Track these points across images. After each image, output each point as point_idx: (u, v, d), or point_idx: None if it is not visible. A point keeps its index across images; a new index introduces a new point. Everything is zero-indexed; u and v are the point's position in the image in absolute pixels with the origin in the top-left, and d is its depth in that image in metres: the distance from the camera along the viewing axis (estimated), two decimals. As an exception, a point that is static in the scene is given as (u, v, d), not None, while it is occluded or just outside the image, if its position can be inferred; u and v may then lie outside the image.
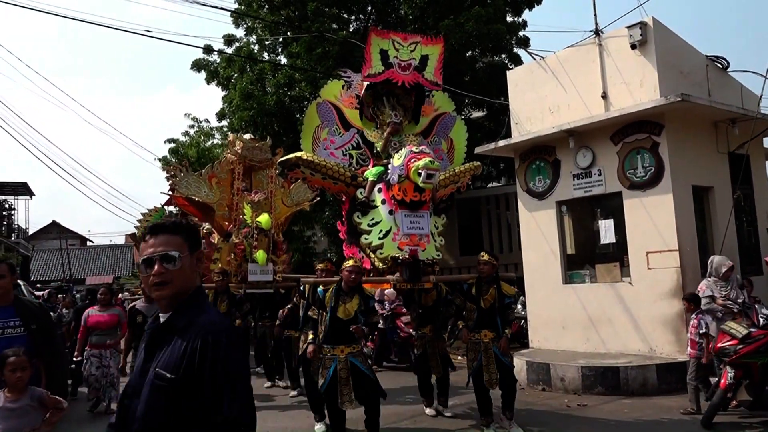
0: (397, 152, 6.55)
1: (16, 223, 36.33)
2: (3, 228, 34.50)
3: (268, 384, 9.40)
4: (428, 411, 7.05)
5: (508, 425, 6.16)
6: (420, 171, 6.01)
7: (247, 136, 9.98)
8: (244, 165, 9.55)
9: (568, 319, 9.31)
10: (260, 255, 8.74)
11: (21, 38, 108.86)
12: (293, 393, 8.58)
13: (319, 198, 10.71)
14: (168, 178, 9.28)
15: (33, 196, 36.06)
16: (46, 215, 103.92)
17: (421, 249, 6.43)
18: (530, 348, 9.73)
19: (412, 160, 6.12)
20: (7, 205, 36.09)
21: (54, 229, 44.56)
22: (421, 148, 6.43)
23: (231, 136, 10.39)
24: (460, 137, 8.02)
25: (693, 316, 6.82)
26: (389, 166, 6.57)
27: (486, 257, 6.40)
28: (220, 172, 9.62)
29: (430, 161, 6.07)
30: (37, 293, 16.54)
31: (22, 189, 34.50)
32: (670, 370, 7.78)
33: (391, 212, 6.46)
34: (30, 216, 40.89)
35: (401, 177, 6.31)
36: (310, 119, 7.20)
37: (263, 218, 8.93)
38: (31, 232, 41.21)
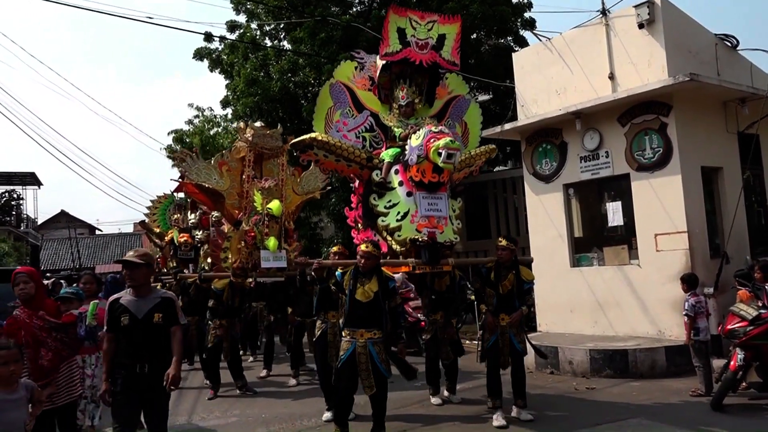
0: (415, 133, 6.38)
1: (24, 212, 36.54)
2: (12, 218, 34.72)
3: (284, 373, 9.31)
4: (434, 400, 6.95)
5: (519, 413, 6.10)
6: (440, 150, 5.82)
7: (257, 124, 9.91)
8: (255, 152, 9.51)
9: (575, 303, 9.28)
10: (272, 242, 8.67)
11: (22, 27, 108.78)
12: (293, 382, 8.56)
13: (330, 188, 10.61)
14: (176, 165, 9.23)
15: (41, 186, 36.19)
16: (55, 205, 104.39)
17: (440, 231, 6.28)
18: (538, 332, 9.72)
19: (432, 140, 5.93)
20: (15, 195, 36.29)
21: (63, 219, 44.78)
22: (440, 128, 6.24)
23: (241, 123, 10.33)
24: (474, 120, 7.85)
25: (686, 297, 6.79)
26: (407, 146, 6.40)
27: (504, 243, 6.24)
28: (230, 160, 9.58)
29: (451, 141, 5.88)
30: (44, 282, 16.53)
31: (30, 179, 34.61)
32: (679, 352, 7.75)
33: (409, 194, 6.31)
34: (38, 205, 41.15)
35: (420, 157, 6.12)
36: (322, 101, 7.04)
37: (274, 205, 8.86)
38: (40, 221, 41.44)
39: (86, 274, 6.11)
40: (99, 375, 5.26)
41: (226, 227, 9.84)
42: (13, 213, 35.81)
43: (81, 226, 44.89)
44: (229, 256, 8.90)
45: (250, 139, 9.39)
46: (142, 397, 4.14)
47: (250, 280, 8.60)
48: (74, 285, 7.69)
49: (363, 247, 5.63)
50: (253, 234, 8.89)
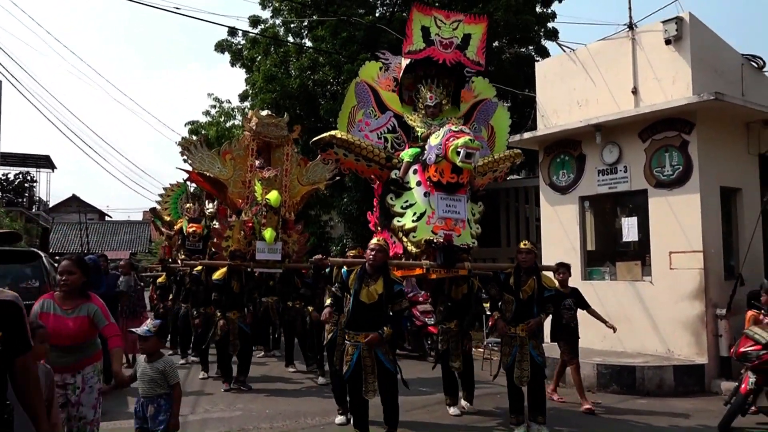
0: (435, 133, 6.26)
1: (37, 195, 36.79)
2: (24, 199, 34.97)
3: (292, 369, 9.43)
4: (452, 411, 6.72)
5: (539, 430, 5.84)
6: (459, 149, 5.66)
7: (263, 113, 9.87)
8: (259, 141, 9.46)
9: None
10: (268, 233, 8.62)
11: (48, 12, 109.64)
12: (321, 380, 8.36)
13: (338, 178, 10.52)
14: (181, 153, 9.24)
15: (54, 169, 36.45)
16: (67, 189, 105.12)
17: (456, 234, 6.12)
18: (545, 343, 9.60)
19: (451, 139, 5.79)
20: (29, 177, 36.56)
21: (74, 203, 45.12)
22: (460, 127, 6.11)
23: (249, 112, 10.32)
24: (502, 124, 7.71)
25: None
26: (426, 146, 6.28)
27: (528, 245, 6.12)
28: (236, 148, 9.57)
29: (470, 140, 5.73)
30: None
31: (45, 162, 34.84)
32: (687, 372, 7.69)
33: (426, 194, 6.18)
34: (51, 189, 41.44)
35: (438, 157, 5.98)
36: (347, 99, 6.99)
37: (272, 195, 8.79)
38: (51, 204, 41.70)
39: (66, 259, 4.10)
40: (86, 403, 3.92)
41: (233, 217, 9.84)
42: (26, 195, 36.07)
43: (91, 212, 45.14)
44: (231, 245, 8.90)
45: (254, 128, 9.36)
46: None
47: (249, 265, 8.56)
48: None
49: (374, 240, 5.55)
50: (251, 224, 8.87)
